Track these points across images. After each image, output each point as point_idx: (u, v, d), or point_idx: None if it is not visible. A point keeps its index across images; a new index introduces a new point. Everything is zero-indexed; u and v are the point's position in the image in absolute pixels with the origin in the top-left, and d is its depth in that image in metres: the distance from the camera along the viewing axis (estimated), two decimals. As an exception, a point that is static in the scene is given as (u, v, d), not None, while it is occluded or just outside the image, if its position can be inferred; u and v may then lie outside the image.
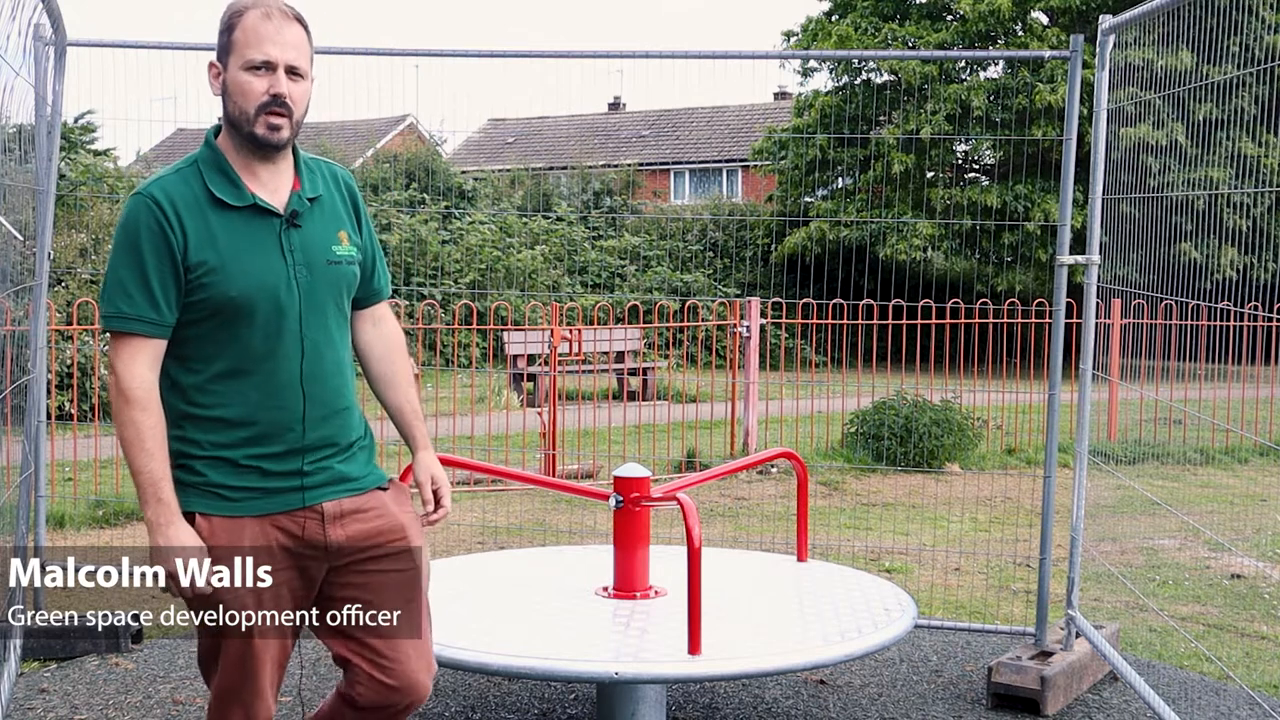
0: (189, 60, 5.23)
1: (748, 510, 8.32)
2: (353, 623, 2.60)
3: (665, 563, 4.21)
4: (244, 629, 2.49)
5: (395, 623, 2.59)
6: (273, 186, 2.55)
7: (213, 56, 2.56)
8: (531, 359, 13.88)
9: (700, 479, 4.60)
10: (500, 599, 4.08)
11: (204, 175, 2.50)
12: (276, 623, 2.52)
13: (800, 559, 4.58)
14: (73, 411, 9.48)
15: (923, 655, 4.99)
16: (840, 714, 4.30)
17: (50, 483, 6.78)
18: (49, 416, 6.16)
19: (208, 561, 2.43)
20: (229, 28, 2.51)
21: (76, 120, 21.32)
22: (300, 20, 2.54)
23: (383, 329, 2.79)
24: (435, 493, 2.76)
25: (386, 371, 2.77)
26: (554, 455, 9.10)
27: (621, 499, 3.95)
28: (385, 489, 2.67)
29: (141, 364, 2.44)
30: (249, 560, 2.47)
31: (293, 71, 2.50)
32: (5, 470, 4.14)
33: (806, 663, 3.57)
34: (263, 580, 2.48)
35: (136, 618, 4.96)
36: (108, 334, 2.48)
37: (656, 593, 4.04)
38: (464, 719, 4.21)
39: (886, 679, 4.67)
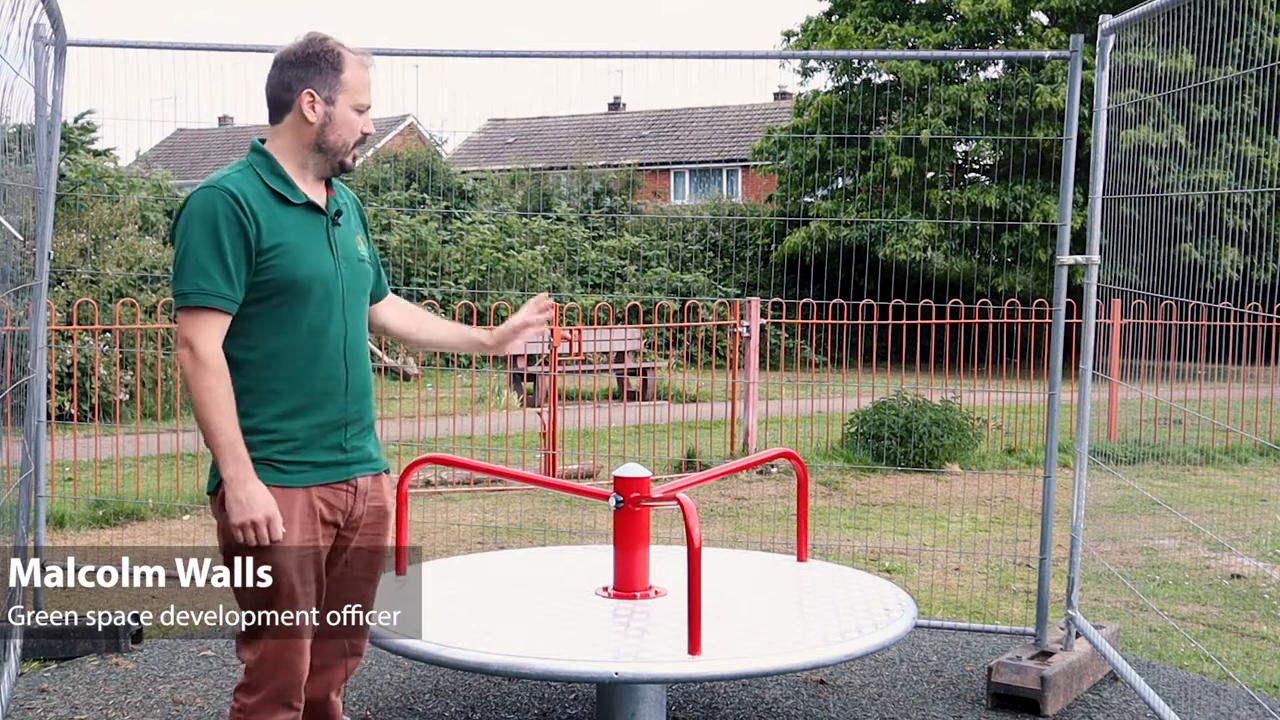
0: (189, 60, 5.23)
1: (748, 510, 8.32)
2: (333, 584, 2.92)
3: (665, 563, 4.21)
4: (291, 594, 2.76)
5: (356, 589, 2.95)
6: (315, 192, 2.89)
7: (301, 80, 2.82)
8: (531, 359, 13.88)
9: (700, 479, 4.59)
10: (500, 599, 4.08)
11: (262, 176, 2.81)
12: (313, 588, 2.81)
13: (800, 559, 4.58)
14: (73, 411, 9.48)
15: (923, 655, 4.99)
16: (840, 714, 4.30)
17: (50, 483, 6.79)
18: (49, 416, 6.16)
19: (279, 515, 2.71)
20: (335, 66, 2.83)
21: (76, 120, 21.30)
22: None
23: (399, 305, 3.22)
24: (520, 327, 3.18)
25: (414, 322, 3.21)
26: (554, 455, 9.10)
27: (621, 499, 3.95)
28: (386, 473, 3.05)
29: (216, 336, 2.71)
30: (298, 529, 2.78)
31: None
32: (5, 470, 4.15)
33: (806, 663, 3.57)
34: (307, 545, 2.79)
35: (136, 618, 4.98)
36: (179, 311, 2.72)
37: (656, 593, 4.04)
38: (464, 719, 4.21)
39: (886, 679, 4.67)
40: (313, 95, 2.82)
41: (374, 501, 2.96)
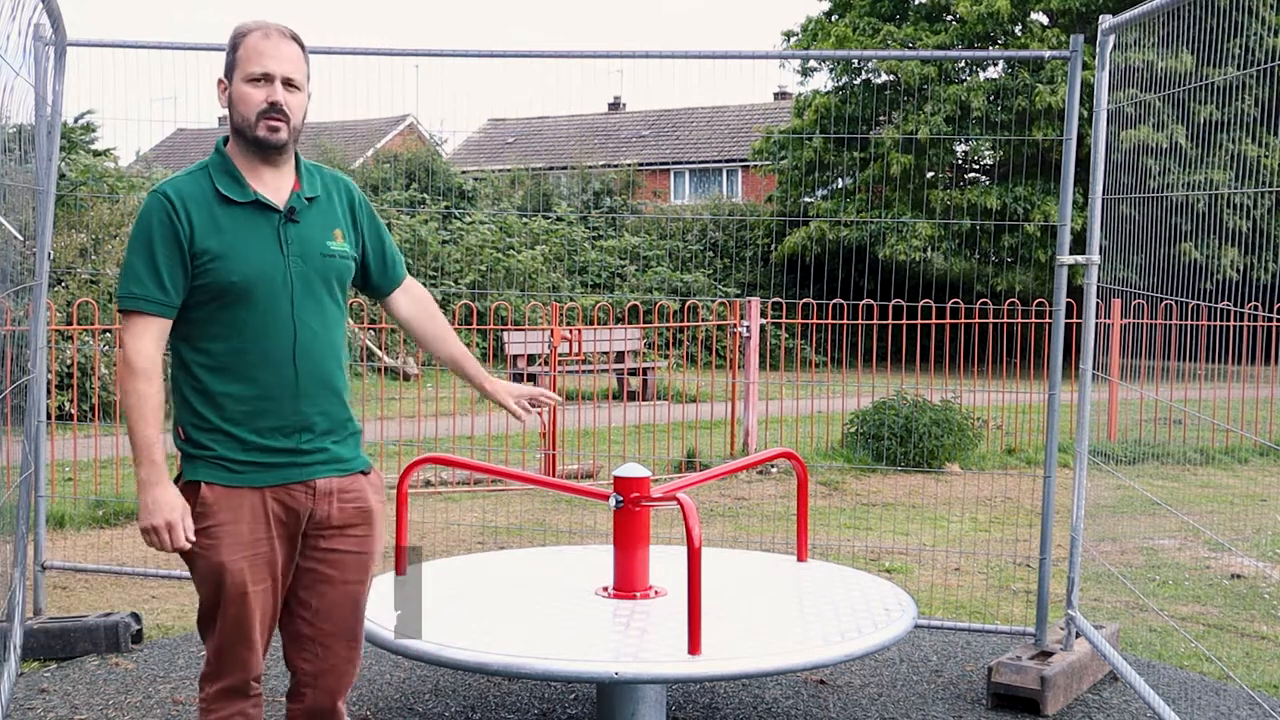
0: (189, 60, 5.23)
1: (748, 510, 8.32)
2: (310, 589, 2.89)
3: (665, 563, 4.21)
4: (241, 591, 2.75)
5: (347, 594, 2.91)
6: (275, 187, 2.84)
7: (220, 74, 2.87)
8: (531, 359, 13.88)
9: (700, 479, 4.59)
10: (500, 599, 4.08)
11: (213, 176, 2.81)
12: (267, 585, 2.80)
13: (800, 559, 4.58)
14: (73, 411, 9.48)
15: (923, 655, 4.99)
16: (840, 714, 4.30)
17: (50, 483, 6.79)
18: (49, 416, 6.16)
19: (189, 519, 2.71)
20: (233, 47, 2.82)
21: (76, 120, 21.31)
22: (296, 39, 2.87)
23: (414, 294, 3.16)
24: (524, 403, 3.24)
25: (433, 330, 3.18)
26: (554, 455, 9.10)
27: (621, 499, 3.95)
28: (367, 474, 2.96)
29: (147, 340, 2.71)
30: (248, 528, 2.76)
31: (288, 83, 2.81)
32: (5, 470, 4.15)
33: (806, 663, 3.57)
34: (256, 545, 2.77)
35: (137, 618, 4.98)
36: (119, 314, 2.74)
37: (656, 593, 4.04)
38: (464, 719, 4.21)
39: (886, 679, 4.67)
40: (222, 82, 2.85)
41: (351, 503, 2.88)
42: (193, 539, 2.71)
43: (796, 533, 4.59)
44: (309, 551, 2.87)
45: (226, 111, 2.85)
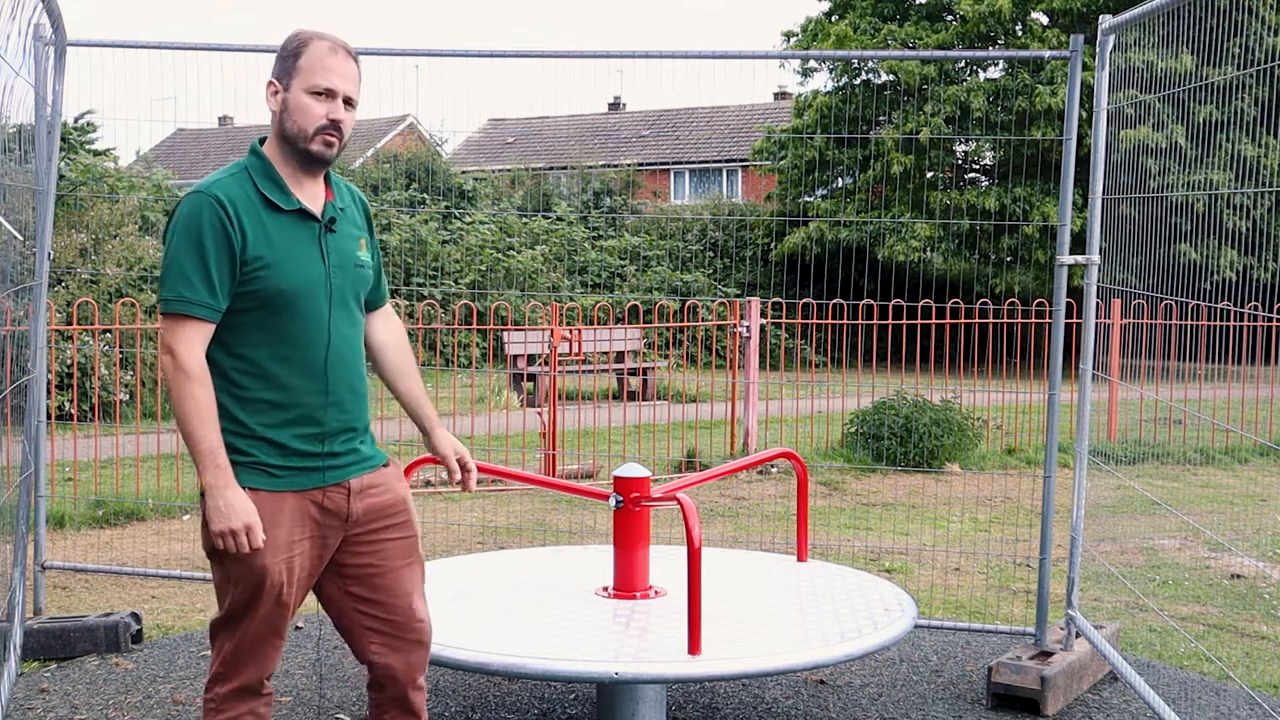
0: (189, 60, 5.23)
1: (748, 510, 8.32)
2: (364, 583, 2.92)
3: (665, 563, 4.21)
4: (277, 594, 2.77)
5: (400, 579, 2.95)
6: (312, 195, 2.86)
7: (270, 74, 2.83)
8: (531, 359, 13.87)
9: (700, 479, 4.59)
10: (500, 599, 4.08)
11: (255, 180, 2.78)
12: (297, 587, 2.82)
13: (800, 559, 4.58)
14: (73, 411, 9.48)
15: (923, 655, 4.99)
16: (840, 714, 4.30)
17: (50, 483, 6.79)
18: (49, 416, 6.16)
19: (259, 524, 2.70)
20: (295, 53, 2.81)
21: (76, 120, 21.30)
22: (356, 59, 2.89)
23: (391, 325, 3.15)
24: (460, 462, 3.16)
25: (399, 363, 3.13)
26: (554, 455, 9.10)
27: (621, 499, 3.95)
28: (387, 466, 3.00)
29: (197, 344, 2.70)
30: (286, 531, 2.77)
31: (347, 102, 2.84)
32: (5, 470, 4.14)
33: (806, 663, 3.57)
34: (294, 548, 2.78)
35: (137, 617, 4.98)
36: (163, 316, 2.72)
37: (656, 593, 4.04)
38: (464, 719, 4.21)
39: (886, 679, 4.67)
40: (274, 84, 2.81)
41: (380, 496, 2.93)
42: (259, 544, 2.70)
43: (797, 533, 4.59)
44: (353, 549, 2.91)
45: (274, 113, 2.81)
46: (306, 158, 2.80)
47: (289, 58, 2.81)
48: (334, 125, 2.78)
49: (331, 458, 2.84)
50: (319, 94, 2.77)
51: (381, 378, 3.17)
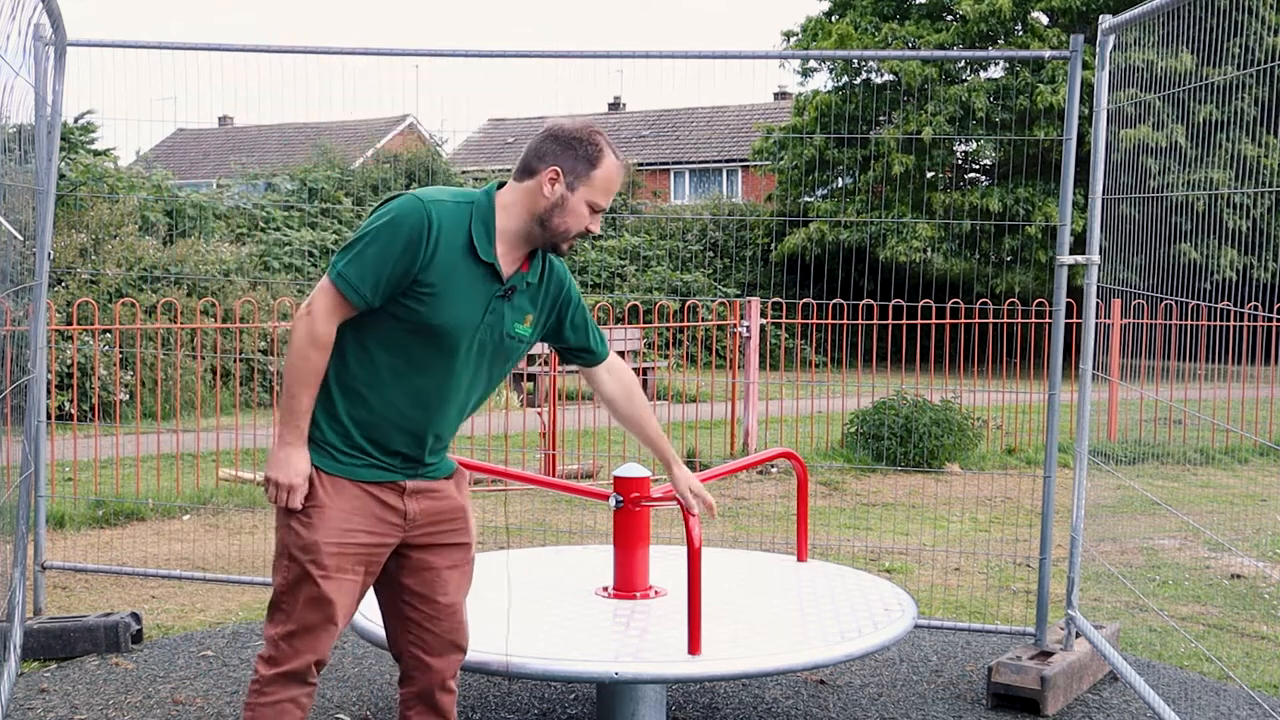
0: (189, 60, 5.23)
1: (748, 510, 8.32)
2: (416, 575, 3.01)
3: (665, 563, 4.21)
4: (325, 574, 2.83)
5: (448, 580, 3.04)
6: (510, 258, 2.92)
7: (554, 156, 2.90)
8: (532, 359, 13.86)
9: (701, 479, 4.58)
10: (500, 599, 4.08)
11: (472, 220, 2.85)
12: (352, 578, 2.88)
13: (800, 559, 4.58)
14: (73, 411, 9.48)
15: (923, 655, 4.99)
16: (840, 714, 4.30)
17: (50, 483, 6.79)
18: (49, 416, 6.16)
19: (304, 488, 2.83)
20: (591, 160, 2.90)
21: (76, 120, 21.29)
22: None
23: (615, 377, 3.29)
24: (696, 496, 3.36)
25: (630, 414, 3.29)
26: (554, 455, 9.10)
27: (621, 499, 3.95)
28: (450, 477, 3.07)
29: (336, 318, 2.81)
30: (344, 516, 2.85)
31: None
32: (5, 470, 4.14)
33: (806, 663, 3.57)
34: (350, 535, 2.86)
35: (137, 618, 4.98)
36: (326, 277, 2.81)
37: (656, 593, 4.04)
38: (464, 719, 4.21)
39: (886, 679, 4.67)
40: (557, 174, 2.88)
41: (439, 501, 3.00)
42: (299, 507, 2.82)
43: (797, 533, 4.59)
44: (411, 546, 2.98)
45: (546, 197, 2.88)
46: (550, 247, 2.94)
47: (583, 161, 2.89)
48: (588, 235, 2.95)
49: (394, 456, 2.91)
50: (596, 210, 2.92)
51: (620, 424, 3.33)
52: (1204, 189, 13.59)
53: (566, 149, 2.89)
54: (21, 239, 4.29)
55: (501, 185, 2.94)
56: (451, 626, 3.06)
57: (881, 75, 23.30)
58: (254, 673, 2.92)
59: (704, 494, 3.36)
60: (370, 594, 3.08)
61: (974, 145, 22.39)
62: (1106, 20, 4.29)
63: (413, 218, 2.77)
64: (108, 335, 11.81)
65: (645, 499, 3.97)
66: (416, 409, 2.88)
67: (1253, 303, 11.09)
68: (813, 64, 24.04)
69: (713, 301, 15.36)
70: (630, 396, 3.27)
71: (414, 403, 2.87)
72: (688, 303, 14.74)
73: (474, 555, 3.13)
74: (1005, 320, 10.97)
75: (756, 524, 7.79)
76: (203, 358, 12.55)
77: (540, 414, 9.53)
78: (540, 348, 13.49)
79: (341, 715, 4.21)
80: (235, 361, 10.58)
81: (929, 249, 20.85)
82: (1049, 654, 4.47)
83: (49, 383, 6.24)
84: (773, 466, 9.72)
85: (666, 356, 16.26)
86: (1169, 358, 11.01)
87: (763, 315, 11.87)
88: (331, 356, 2.83)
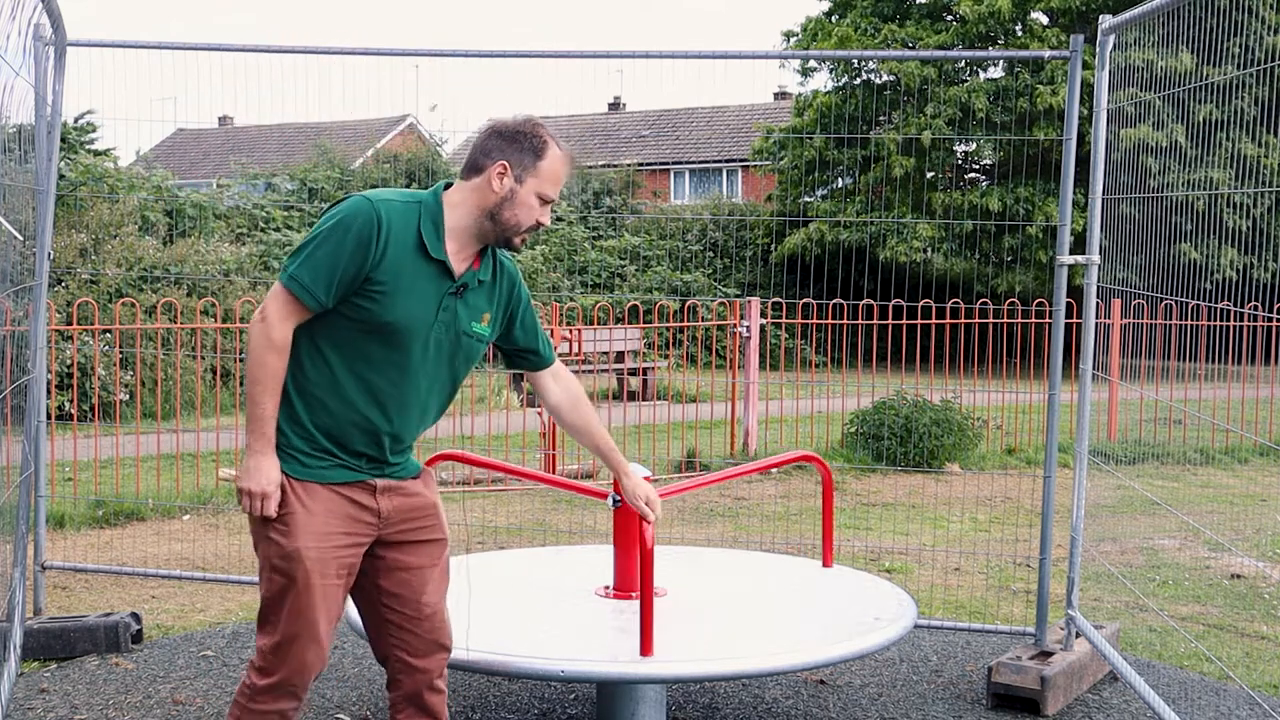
0: (189, 60, 5.23)
1: (747, 510, 8.32)
2: (391, 577, 3.01)
3: (665, 563, 4.21)
4: (310, 581, 2.84)
5: (425, 579, 3.04)
6: (461, 256, 2.94)
7: (499, 150, 2.91)
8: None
9: (719, 477, 4.57)
10: (500, 599, 4.08)
11: (421, 219, 2.87)
12: (334, 582, 2.89)
13: (825, 564, 4.50)
14: (73, 411, 9.48)
15: (923, 655, 4.99)
16: (840, 714, 4.30)
17: (50, 483, 6.79)
18: (49, 416, 6.16)
19: (279, 494, 2.83)
20: (538, 152, 2.92)
21: (76, 120, 21.29)
22: None
23: (564, 383, 3.27)
24: (648, 504, 3.33)
25: (580, 422, 3.27)
26: (554, 455, 9.10)
27: (620, 498, 3.94)
28: (418, 477, 3.07)
29: (292, 321, 2.83)
30: (321, 520, 2.86)
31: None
32: (5, 470, 4.15)
33: (806, 663, 3.57)
34: (329, 539, 2.86)
35: (137, 618, 4.98)
36: (278, 282, 2.84)
37: (657, 592, 4.04)
38: (464, 719, 4.21)
39: (886, 679, 4.67)
40: (505, 168, 2.90)
41: (412, 498, 3.02)
42: (274, 515, 2.83)
43: (823, 538, 4.51)
44: (385, 545, 2.99)
45: (495, 193, 2.90)
46: (502, 242, 2.95)
47: (529, 153, 2.91)
48: (539, 227, 2.96)
49: (359, 458, 2.93)
50: (546, 202, 2.94)
51: (566, 432, 3.33)
52: (1204, 189, 13.59)
53: (511, 143, 2.91)
54: (21, 239, 4.29)
55: (449, 185, 2.96)
56: (433, 626, 3.07)
57: (881, 76, 23.30)
58: (245, 677, 2.93)
59: (655, 503, 3.35)
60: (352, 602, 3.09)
61: (974, 145, 22.38)
62: (1106, 20, 4.29)
63: (362, 217, 2.79)
64: (108, 335, 11.81)
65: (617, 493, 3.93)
66: (374, 410, 2.88)
67: (1253, 303, 11.08)
68: (813, 64, 24.04)
69: (713, 301, 15.36)
70: (576, 404, 3.26)
71: (371, 403, 2.88)
72: (688, 303, 14.74)
73: (448, 554, 3.13)
74: (1005, 320, 10.97)
75: (756, 524, 7.79)
76: (203, 358, 12.55)
77: (540, 414, 9.53)
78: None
79: (341, 715, 4.21)
80: (235, 361, 10.58)
81: (929, 249, 20.85)
82: (1049, 654, 4.47)
83: (49, 383, 6.24)
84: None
85: (666, 356, 16.27)
86: (1169, 358, 11.01)
87: (763, 315, 11.87)
88: (289, 367, 2.85)
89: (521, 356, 3.20)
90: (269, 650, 2.88)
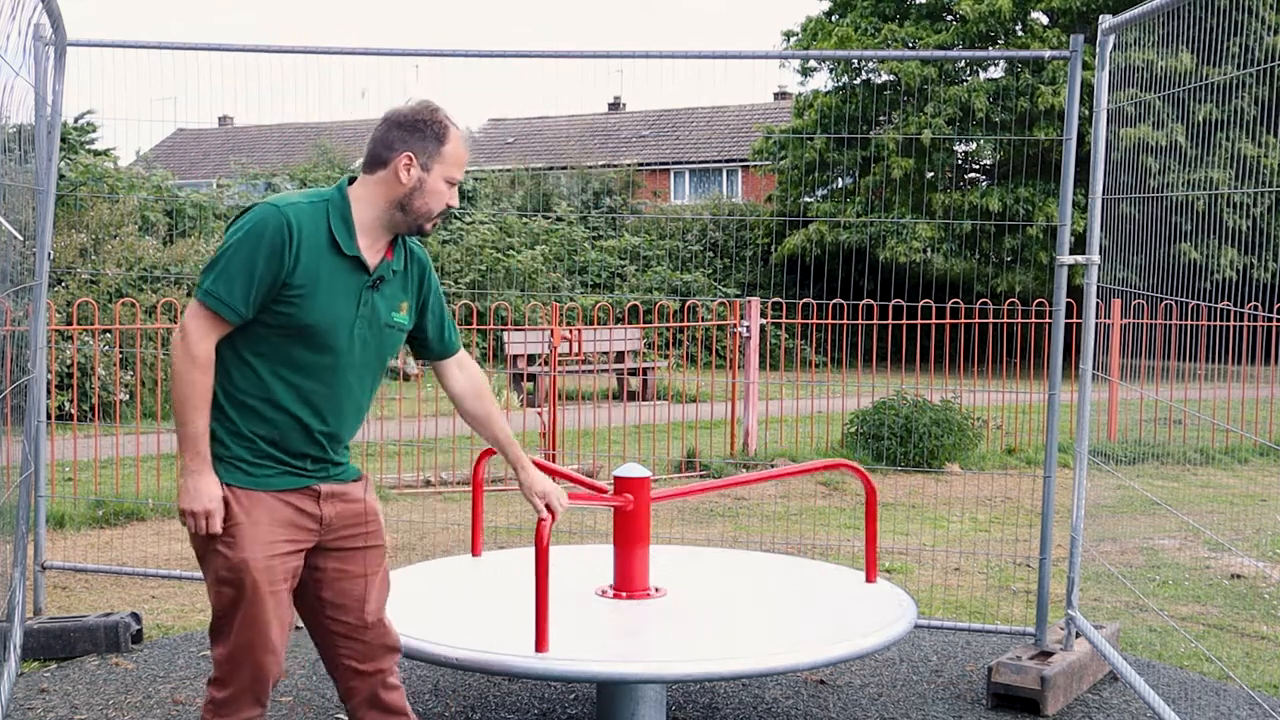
0: (189, 60, 5.23)
1: (747, 510, 8.32)
2: (333, 587, 3.01)
3: (665, 563, 4.21)
4: (260, 590, 2.83)
5: (367, 586, 3.05)
6: (375, 248, 2.94)
7: (403, 142, 2.90)
8: (531, 359, 13.87)
9: (750, 480, 4.56)
10: (500, 599, 4.08)
11: (330, 217, 2.87)
12: (282, 589, 2.89)
13: (869, 579, 4.35)
14: (73, 411, 9.48)
15: (923, 655, 4.99)
16: (840, 714, 4.30)
17: (50, 483, 6.79)
18: (49, 416, 6.16)
19: (223, 510, 2.82)
20: (440, 138, 2.92)
21: (76, 120, 21.30)
22: None
23: (468, 373, 3.26)
24: (546, 504, 3.30)
25: (480, 411, 3.26)
26: (554, 455, 9.10)
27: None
28: (358, 480, 3.08)
29: (213, 336, 2.81)
30: (266, 529, 2.85)
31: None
32: (5, 470, 4.15)
33: (806, 663, 3.57)
34: (274, 546, 2.85)
35: (137, 618, 4.98)
36: (193, 299, 2.83)
37: (656, 592, 4.04)
38: (464, 719, 4.21)
39: (886, 679, 4.67)
40: (411, 158, 2.90)
41: (353, 504, 3.02)
42: (219, 531, 2.82)
43: (866, 552, 4.37)
44: (324, 553, 3.00)
45: (404, 185, 2.90)
46: (414, 230, 2.96)
47: (431, 140, 2.91)
48: (450, 210, 2.97)
49: (303, 459, 2.92)
50: (453, 184, 2.96)
51: (466, 422, 3.28)
52: (1204, 189, 13.59)
53: (414, 132, 2.91)
54: (21, 239, 4.29)
55: (353, 180, 2.95)
56: (379, 634, 3.08)
57: (881, 76, 23.30)
58: (206, 693, 2.93)
59: (553, 499, 3.31)
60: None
61: (974, 145, 22.38)
62: (1106, 20, 4.29)
63: (272, 224, 2.78)
64: (108, 335, 11.81)
65: (573, 496, 3.87)
66: (307, 411, 2.88)
67: (1253, 303, 11.08)
68: (813, 64, 24.04)
69: (713, 301, 15.36)
70: (479, 394, 3.25)
71: (304, 406, 2.88)
72: (688, 303, 14.74)
73: (387, 562, 3.13)
74: (1005, 320, 10.97)
75: (756, 524, 7.79)
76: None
77: (540, 414, 9.53)
78: (540, 348, 13.52)
79: (341, 716, 4.20)
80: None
81: (929, 249, 20.85)
82: (1049, 654, 4.47)
83: (49, 383, 6.24)
84: (772, 465, 9.72)
85: (666, 356, 16.27)
86: (1169, 358, 11.01)
87: (763, 315, 11.88)
88: (216, 374, 2.84)
89: (427, 344, 3.18)
90: (224, 661, 2.88)
